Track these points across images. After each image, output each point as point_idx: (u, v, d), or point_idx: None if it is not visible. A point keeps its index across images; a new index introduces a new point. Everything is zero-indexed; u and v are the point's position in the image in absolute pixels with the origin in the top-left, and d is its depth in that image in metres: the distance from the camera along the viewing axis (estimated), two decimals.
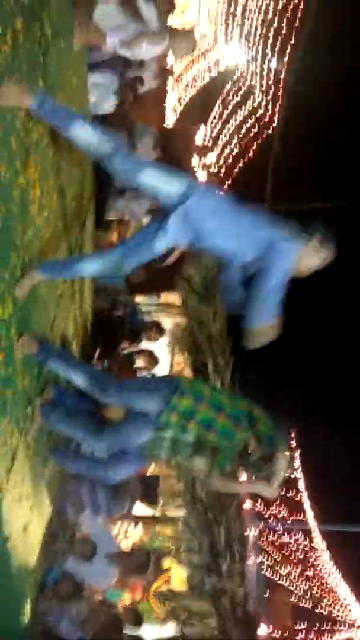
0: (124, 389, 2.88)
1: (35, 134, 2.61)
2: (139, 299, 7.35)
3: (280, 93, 9.34)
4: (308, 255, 2.55)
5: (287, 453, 2.68)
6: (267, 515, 11.31)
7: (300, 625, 12.95)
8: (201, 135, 11.06)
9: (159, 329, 6.07)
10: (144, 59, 4.27)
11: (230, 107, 10.60)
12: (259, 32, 9.22)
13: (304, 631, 12.71)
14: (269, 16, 8.96)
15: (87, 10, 3.71)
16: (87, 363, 3.15)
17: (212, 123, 11.11)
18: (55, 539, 3.86)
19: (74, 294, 4.01)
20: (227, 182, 10.47)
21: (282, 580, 11.85)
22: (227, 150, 10.72)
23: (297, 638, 12.61)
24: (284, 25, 8.82)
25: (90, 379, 2.85)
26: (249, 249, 2.54)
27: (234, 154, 10.52)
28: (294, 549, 12.16)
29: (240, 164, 10.32)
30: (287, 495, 12.86)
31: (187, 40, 4.21)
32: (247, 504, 8.96)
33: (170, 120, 10.58)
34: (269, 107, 9.47)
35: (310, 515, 12.05)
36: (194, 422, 2.71)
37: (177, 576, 5.47)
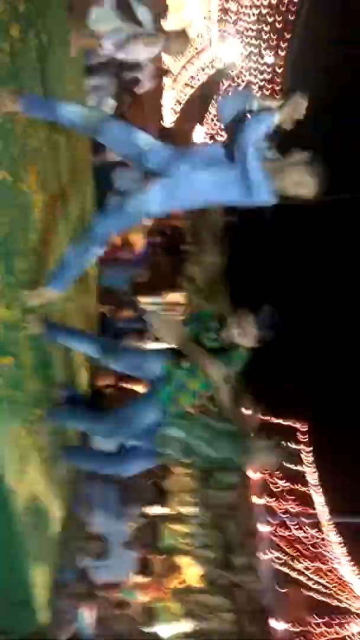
0: (132, 353, 3.03)
1: (35, 141, 2.65)
2: (143, 299, 7.39)
3: (277, 88, 9.34)
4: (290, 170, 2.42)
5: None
6: (278, 510, 11.33)
7: (316, 619, 12.96)
8: (199, 134, 11.10)
9: None
10: (139, 60, 4.29)
11: None
12: (253, 28, 9.22)
13: (320, 624, 12.72)
14: (263, 11, 8.97)
15: (82, 16, 3.76)
16: (92, 334, 3.23)
17: (209, 121, 11.13)
18: (68, 539, 3.90)
19: (79, 296, 4.05)
20: None
21: (297, 575, 11.87)
22: None
23: (314, 631, 12.63)
24: (278, 19, 8.82)
25: (99, 348, 2.97)
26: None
27: None
28: (306, 542, 12.17)
29: None
30: (298, 489, 12.87)
31: (180, 39, 4.23)
32: (259, 499, 8.99)
33: (168, 120, 10.63)
34: None
35: (320, 508, 12.05)
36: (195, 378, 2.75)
37: (192, 573, 5.50)
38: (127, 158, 2.69)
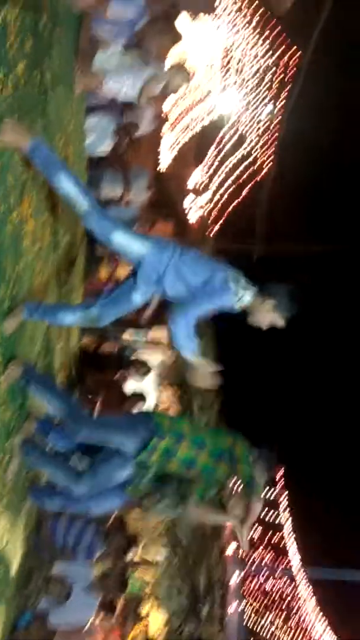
0: (100, 428, 2.88)
1: (32, 171, 2.69)
2: (127, 334, 7.36)
3: (272, 140, 9.69)
4: (262, 311, 2.65)
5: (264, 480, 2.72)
6: (250, 561, 11.02)
7: None
8: (195, 178, 11.37)
9: (144, 367, 6.07)
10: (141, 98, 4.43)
11: (223, 152, 10.95)
12: (252, 82, 9.64)
13: None
14: (263, 67, 9.40)
15: (88, 57, 3.90)
16: (67, 395, 3.14)
17: (205, 167, 11.44)
18: (29, 579, 3.74)
19: (61, 327, 4.03)
20: (218, 223, 10.73)
21: (265, 630, 11.45)
22: (219, 193, 11.01)
23: None
24: (276, 76, 9.24)
25: (66, 414, 2.88)
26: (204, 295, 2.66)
27: (226, 196, 10.82)
28: (277, 596, 11.79)
29: (232, 206, 10.62)
30: (272, 540, 12.57)
31: (180, 74, 4.40)
32: (230, 549, 8.75)
33: (165, 163, 10.90)
34: (261, 153, 9.80)
35: (295, 561, 11.74)
36: (174, 460, 2.71)
37: (156, 622, 5.28)
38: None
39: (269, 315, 2.65)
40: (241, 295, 2.63)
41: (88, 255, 5.43)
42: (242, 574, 9.32)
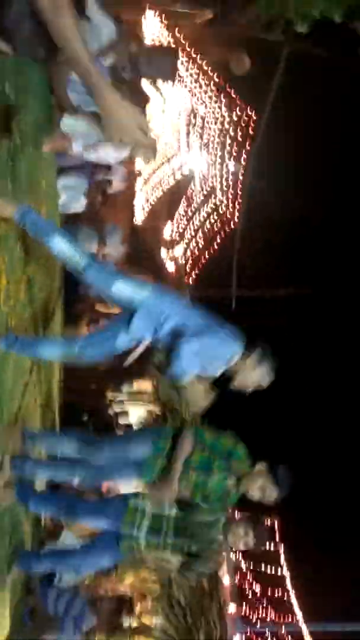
0: (114, 442, 2.98)
1: (2, 228, 2.75)
2: (112, 390, 7.31)
3: (239, 192, 10.08)
4: (246, 369, 2.66)
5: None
6: (254, 620, 10.46)
7: None
8: (168, 231, 11.70)
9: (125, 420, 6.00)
10: (109, 162, 4.61)
11: (194, 206, 11.33)
12: (217, 139, 10.11)
13: None
14: (226, 126, 9.89)
15: (56, 121, 4.07)
16: (72, 432, 3.18)
17: (178, 220, 11.80)
18: None
19: (40, 383, 3.98)
20: (193, 272, 10.96)
21: None
22: (192, 244, 11.32)
23: None
24: (239, 133, 9.72)
25: (80, 444, 2.92)
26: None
27: (199, 246, 11.12)
28: None
29: (206, 256, 10.91)
30: (275, 596, 12.01)
31: (148, 145, 4.59)
32: (232, 608, 8.35)
33: (139, 218, 11.22)
34: (229, 204, 10.16)
35: (300, 616, 11.19)
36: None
37: None
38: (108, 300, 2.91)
39: (254, 371, 2.65)
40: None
41: (66, 311, 5.45)
42: (246, 634, 8.85)
